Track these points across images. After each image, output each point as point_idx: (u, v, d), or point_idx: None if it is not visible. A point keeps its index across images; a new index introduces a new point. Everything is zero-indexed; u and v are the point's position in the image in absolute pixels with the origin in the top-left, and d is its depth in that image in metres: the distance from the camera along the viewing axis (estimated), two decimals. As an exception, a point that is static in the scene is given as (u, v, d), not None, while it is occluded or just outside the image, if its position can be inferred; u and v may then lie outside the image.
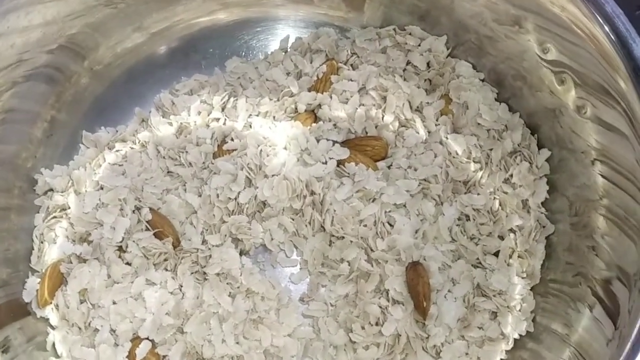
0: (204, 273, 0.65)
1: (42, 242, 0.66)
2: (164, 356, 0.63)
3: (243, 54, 0.76)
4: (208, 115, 0.71)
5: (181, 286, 0.65)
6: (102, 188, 0.68)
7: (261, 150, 0.68)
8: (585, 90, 0.59)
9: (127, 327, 0.63)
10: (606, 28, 0.53)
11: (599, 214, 0.60)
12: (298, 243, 0.68)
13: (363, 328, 0.64)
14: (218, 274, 0.65)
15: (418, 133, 0.70)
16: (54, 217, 0.67)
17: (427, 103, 0.71)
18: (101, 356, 0.62)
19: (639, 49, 0.51)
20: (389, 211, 0.67)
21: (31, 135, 0.67)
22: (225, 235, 0.66)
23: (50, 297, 0.64)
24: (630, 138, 0.54)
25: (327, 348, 0.65)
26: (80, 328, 0.63)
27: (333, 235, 0.67)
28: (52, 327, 0.64)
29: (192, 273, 0.65)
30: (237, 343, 0.63)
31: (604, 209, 0.60)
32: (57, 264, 0.65)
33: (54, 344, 0.64)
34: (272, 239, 0.67)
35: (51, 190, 0.68)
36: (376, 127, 0.70)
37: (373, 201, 0.67)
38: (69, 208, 0.67)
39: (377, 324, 0.64)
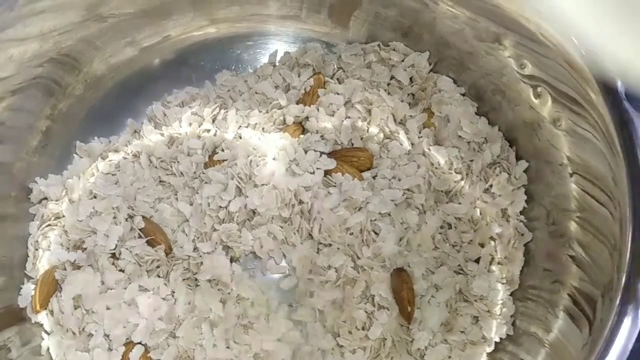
0: (196, 279, 0.67)
1: (36, 250, 0.68)
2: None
3: (233, 67, 0.78)
4: (199, 126, 0.73)
5: (173, 292, 0.66)
6: (95, 197, 0.69)
7: (251, 161, 0.70)
8: (560, 103, 0.62)
9: (121, 332, 0.64)
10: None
11: (575, 223, 0.62)
12: (287, 250, 0.69)
13: (350, 332, 0.65)
14: (209, 281, 0.67)
15: (402, 145, 0.72)
16: (49, 225, 0.68)
17: (411, 116, 0.73)
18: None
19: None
20: (374, 220, 0.69)
21: (27, 146, 0.69)
22: (216, 243, 0.68)
23: (45, 303, 0.65)
24: (602, 149, 0.57)
25: (315, 352, 0.66)
26: (74, 333, 0.64)
27: (321, 243, 0.69)
28: (47, 333, 0.66)
29: (183, 279, 0.67)
30: (228, 347, 0.65)
31: (579, 218, 0.62)
32: (52, 271, 0.66)
33: (48, 349, 0.65)
34: (261, 247, 0.68)
35: (45, 198, 0.70)
36: (362, 138, 0.73)
37: (359, 210, 0.69)
38: (63, 216, 0.68)
39: (363, 328, 0.66)
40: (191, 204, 0.69)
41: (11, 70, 0.63)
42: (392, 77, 0.75)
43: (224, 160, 0.71)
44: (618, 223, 0.55)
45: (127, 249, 0.67)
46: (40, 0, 0.61)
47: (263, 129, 0.73)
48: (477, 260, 0.68)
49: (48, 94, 0.69)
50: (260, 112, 0.74)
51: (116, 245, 0.67)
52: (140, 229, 0.67)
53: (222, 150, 0.71)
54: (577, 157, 0.62)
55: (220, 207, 0.68)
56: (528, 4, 0.59)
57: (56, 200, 0.69)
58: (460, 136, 0.72)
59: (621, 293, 0.51)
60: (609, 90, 0.54)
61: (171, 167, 0.71)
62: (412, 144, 0.72)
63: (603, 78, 0.54)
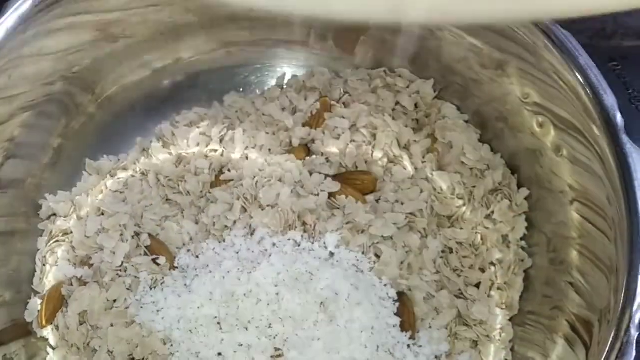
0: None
1: (44, 265, 0.68)
2: (159, 377, 0.65)
3: (241, 89, 0.79)
4: (206, 146, 0.74)
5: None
6: (103, 214, 0.70)
7: (257, 182, 0.71)
8: (563, 131, 0.63)
9: (124, 349, 0.65)
10: (580, 79, 0.57)
11: (575, 251, 0.63)
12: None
13: (352, 353, 0.66)
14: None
15: (405, 169, 0.73)
16: (57, 240, 0.69)
17: (415, 141, 0.75)
18: (99, 375, 0.64)
19: (609, 99, 0.55)
20: (377, 243, 0.69)
21: (39, 162, 0.70)
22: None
23: (51, 318, 0.66)
24: (603, 179, 0.58)
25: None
26: (79, 348, 0.65)
27: (323, 264, 0.69)
28: (52, 347, 0.66)
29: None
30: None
31: (579, 245, 0.63)
32: (59, 287, 0.67)
33: (53, 363, 0.66)
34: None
35: (54, 215, 0.71)
36: (366, 162, 0.74)
37: (362, 233, 0.70)
38: (71, 232, 0.70)
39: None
40: (197, 223, 0.70)
41: (26, 88, 0.64)
42: (397, 103, 0.76)
43: (230, 181, 0.72)
44: (614, 244, 0.56)
45: (132, 265, 0.68)
46: (55, 20, 0.63)
47: (269, 150, 0.74)
48: (477, 285, 0.69)
49: (63, 112, 0.70)
50: (267, 133, 0.75)
51: (122, 262, 0.68)
52: (146, 247, 0.69)
53: (229, 170, 0.73)
54: (578, 185, 0.63)
55: (226, 226, 0.69)
56: (531, 34, 0.60)
57: (65, 217, 0.71)
58: (463, 162, 0.73)
59: (618, 316, 0.52)
60: (608, 123, 0.55)
61: (178, 186, 0.72)
62: (416, 169, 0.73)
63: (603, 111, 0.55)
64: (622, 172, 0.54)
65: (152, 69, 0.76)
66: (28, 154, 0.69)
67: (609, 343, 0.52)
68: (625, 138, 0.53)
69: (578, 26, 0.57)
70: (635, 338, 0.51)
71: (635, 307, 0.52)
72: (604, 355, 0.52)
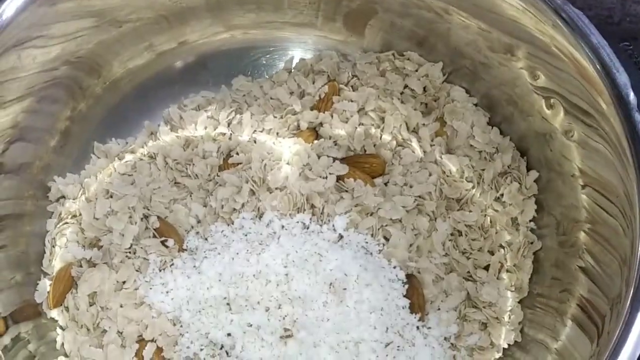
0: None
1: (53, 247, 0.69)
2: (169, 359, 0.64)
3: (249, 73, 0.79)
4: (214, 129, 0.74)
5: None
6: (112, 196, 0.70)
7: (265, 165, 0.71)
8: (572, 115, 0.63)
9: (133, 330, 0.65)
10: (592, 57, 0.56)
11: (585, 234, 0.63)
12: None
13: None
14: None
15: (414, 152, 0.73)
16: (66, 222, 0.69)
17: (423, 125, 0.74)
18: (109, 356, 0.64)
19: (621, 77, 0.54)
20: (385, 225, 0.69)
21: (46, 145, 0.70)
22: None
23: (60, 300, 0.66)
24: (614, 161, 0.58)
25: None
26: (88, 329, 0.65)
27: (332, 247, 0.69)
28: (62, 328, 0.67)
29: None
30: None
31: (590, 229, 0.63)
32: (68, 268, 0.67)
33: (63, 344, 0.66)
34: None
35: (63, 197, 0.71)
36: (374, 145, 0.74)
37: (370, 215, 0.70)
38: (80, 215, 0.70)
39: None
40: (205, 206, 0.70)
41: (34, 71, 0.64)
42: (405, 86, 0.76)
43: (238, 164, 0.72)
44: (629, 239, 0.55)
45: (141, 247, 0.68)
46: (62, 3, 0.63)
47: (277, 133, 0.74)
48: (487, 268, 0.69)
49: (69, 96, 0.71)
50: (275, 117, 0.75)
51: (131, 244, 0.68)
52: (155, 229, 0.69)
53: (237, 153, 0.72)
54: (588, 169, 0.63)
55: (234, 209, 0.69)
56: (542, 16, 0.60)
57: (73, 199, 0.71)
58: (472, 145, 0.73)
59: (628, 307, 0.52)
60: (621, 101, 0.54)
61: (186, 169, 0.72)
62: (424, 152, 0.73)
63: (615, 89, 0.54)
64: (635, 151, 0.53)
65: (158, 52, 0.76)
66: (35, 137, 0.69)
67: (618, 333, 0.51)
68: (638, 116, 0.53)
69: (585, 12, 0.57)
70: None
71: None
72: (611, 345, 0.51)
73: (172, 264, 0.67)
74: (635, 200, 0.54)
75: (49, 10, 0.62)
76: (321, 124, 0.74)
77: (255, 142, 0.74)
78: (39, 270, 0.68)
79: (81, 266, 0.68)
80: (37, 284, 0.67)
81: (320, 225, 0.69)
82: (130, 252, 0.68)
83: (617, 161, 0.57)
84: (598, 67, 0.56)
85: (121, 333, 0.65)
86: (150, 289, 0.66)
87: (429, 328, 0.66)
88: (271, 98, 0.76)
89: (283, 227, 0.68)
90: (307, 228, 0.68)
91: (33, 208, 0.69)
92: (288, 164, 0.72)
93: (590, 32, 0.56)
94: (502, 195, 0.71)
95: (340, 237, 0.68)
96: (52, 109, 0.70)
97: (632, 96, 0.54)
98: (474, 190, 0.71)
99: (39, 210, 0.70)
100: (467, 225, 0.70)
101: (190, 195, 0.71)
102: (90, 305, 0.66)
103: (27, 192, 0.69)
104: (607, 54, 0.55)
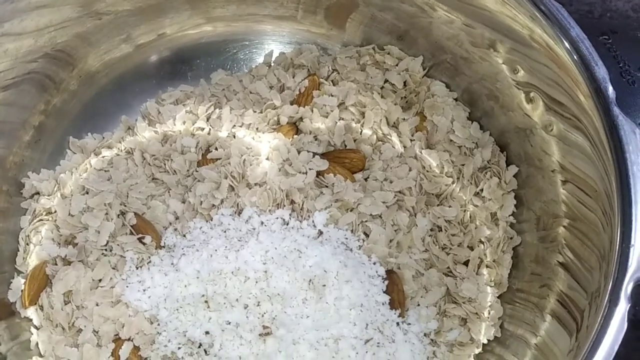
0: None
1: (27, 244, 0.67)
2: (146, 358, 0.64)
3: (228, 66, 0.78)
4: (193, 124, 0.73)
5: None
6: (87, 192, 0.69)
7: (244, 160, 0.70)
8: (552, 109, 0.63)
9: (110, 328, 0.64)
10: (571, 50, 0.56)
11: (565, 230, 0.63)
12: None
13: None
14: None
15: (394, 147, 0.73)
16: (40, 219, 0.68)
17: (403, 119, 0.74)
18: (85, 355, 0.63)
19: (600, 71, 0.54)
20: (365, 221, 0.69)
21: (19, 140, 0.69)
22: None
23: (35, 298, 0.65)
24: (593, 156, 0.58)
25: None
26: (63, 328, 0.64)
27: (311, 243, 0.69)
28: (36, 327, 0.65)
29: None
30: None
31: (570, 225, 0.63)
32: (42, 266, 0.66)
33: (37, 344, 0.65)
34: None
35: (38, 193, 0.70)
36: (355, 140, 0.73)
37: (350, 211, 0.69)
38: (55, 211, 0.68)
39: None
40: (183, 202, 0.69)
41: (6, 64, 0.63)
42: (386, 81, 0.75)
43: (217, 159, 0.71)
44: (608, 234, 0.55)
45: (118, 245, 0.67)
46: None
47: (257, 128, 0.73)
48: (466, 263, 0.69)
49: (42, 89, 0.69)
50: (254, 112, 0.74)
51: (107, 242, 0.67)
52: (132, 226, 0.68)
53: (216, 148, 0.72)
54: (568, 164, 0.63)
55: (213, 205, 0.68)
56: (521, 9, 0.60)
57: (48, 195, 0.69)
58: (452, 140, 0.72)
59: (607, 301, 0.52)
60: (599, 95, 0.54)
61: (164, 164, 0.71)
62: (405, 147, 0.73)
63: (594, 83, 0.54)
64: (614, 145, 0.53)
65: (135, 45, 0.74)
66: (8, 131, 0.67)
67: (596, 327, 0.51)
68: (616, 110, 0.53)
69: (566, 7, 0.57)
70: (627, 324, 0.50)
71: (625, 283, 0.51)
72: (591, 338, 0.51)
73: (150, 262, 0.66)
74: (614, 195, 0.54)
75: (22, 4, 0.61)
76: (301, 119, 0.74)
77: (234, 137, 0.73)
78: (12, 268, 0.67)
79: (56, 264, 0.66)
80: (11, 282, 0.66)
81: (300, 221, 0.68)
82: (106, 250, 0.67)
83: (596, 156, 0.57)
84: (577, 60, 0.56)
85: (97, 332, 0.64)
86: (127, 287, 0.65)
87: (409, 324, 0.66)
88: (251, 92, 0.75)
89: (262, 223, 0.67)
90: (287, 224, 0.68)
91: (6, 205, 0.68)
92: (268, 159, 0.71)
93: (570, 25, 0.56)
94: (481, 190, 0.70)
95: (320, 233, 0.68)
96: (25, 102, 0.68)
97: (610, 90, 0.54)
98: (454, 185, 0.71)
99: (12, 207, 0.69)
100: (446, 220, 0.70)
101: (169, 192, 0.70)
102: (66, 304, 0.65)
103: (0, 188, 0.68)
104: (586, 48, 0.55)
